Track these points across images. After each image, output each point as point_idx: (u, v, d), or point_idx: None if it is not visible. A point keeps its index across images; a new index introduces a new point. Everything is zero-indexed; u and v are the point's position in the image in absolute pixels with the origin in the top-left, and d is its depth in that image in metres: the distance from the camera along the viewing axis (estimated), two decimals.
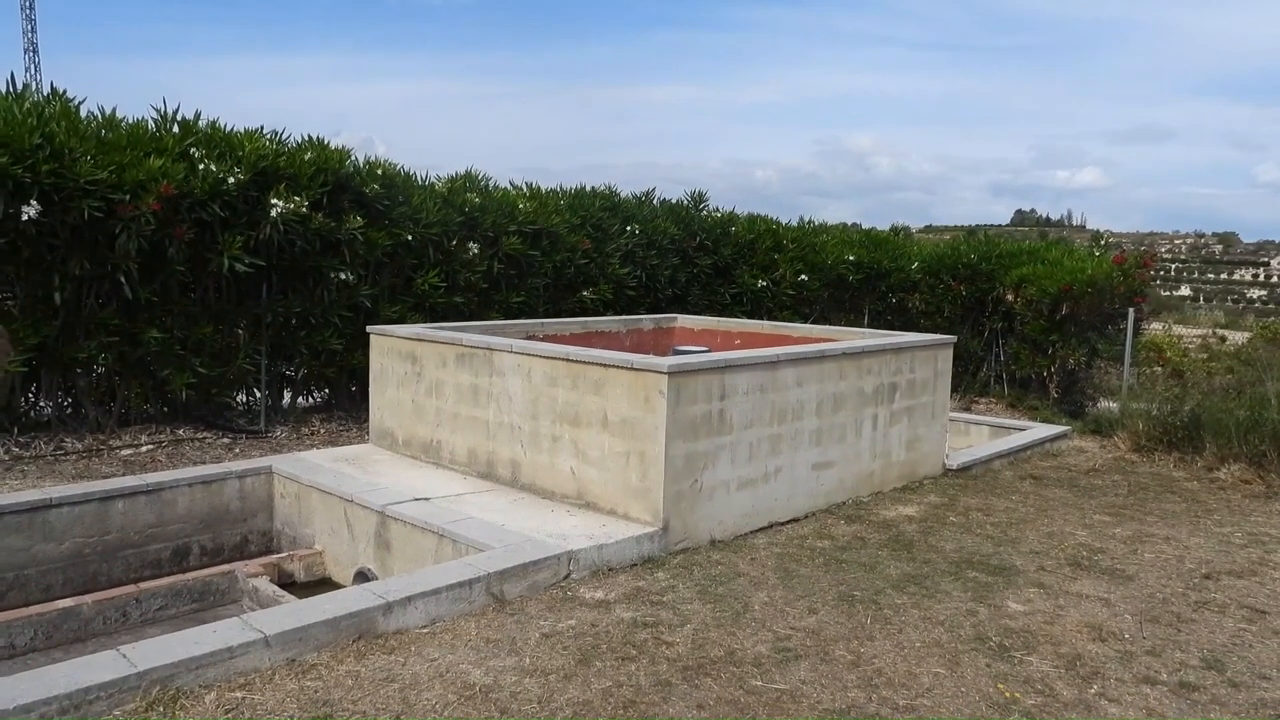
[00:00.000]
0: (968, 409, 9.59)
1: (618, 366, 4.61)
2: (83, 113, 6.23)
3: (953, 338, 6.81)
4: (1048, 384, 10.34)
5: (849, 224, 12.83)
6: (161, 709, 2.85)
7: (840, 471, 5.59)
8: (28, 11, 46.97)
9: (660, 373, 4.43)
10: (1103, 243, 13.34)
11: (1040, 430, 7.90)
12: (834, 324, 10.14)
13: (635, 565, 4.36)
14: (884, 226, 12.57)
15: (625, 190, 9.76)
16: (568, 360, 4.85)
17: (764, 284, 10.31)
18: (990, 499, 5.93)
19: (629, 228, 9.22)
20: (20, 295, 5.91)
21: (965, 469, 6.58)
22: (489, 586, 3.78)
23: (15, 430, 6.01)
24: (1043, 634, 3.77)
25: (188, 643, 3.07)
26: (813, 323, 9.84)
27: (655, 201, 10.01)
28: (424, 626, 3.56)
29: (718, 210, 10.55)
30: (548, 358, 4.96)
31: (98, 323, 6.09)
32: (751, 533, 4.98)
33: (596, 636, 3.55)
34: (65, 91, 6.28)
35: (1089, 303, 9.90)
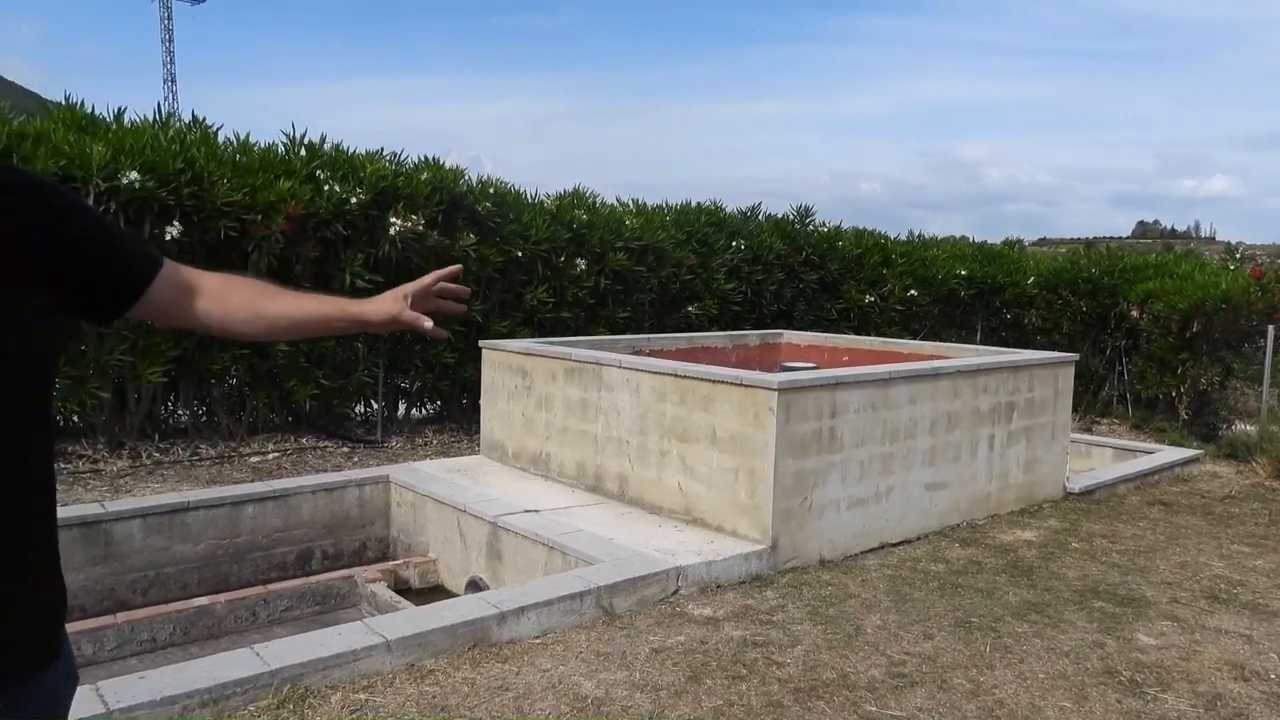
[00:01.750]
0: (1088, 430, 9.18)
1: (727, 382, 4.60)
2: (220, 138, 6.62)
3: (1074, 355, 6.54)
4: (1176, 405, 9.80)
5: (958, 237, 12.50)
6: (291, 706, 2.97)
7: (954, 492, 5.43)
8: (167, 45, 50.27)
9: (770, 389, 4.40)
10: (1237, 255, 12.59)
11: (1169, 453, 7.49)
12: (945, 340, 9.87)
13: (743, 583, 4.33)
14: (995, 240, 12.16)
15: (730, 205, 9.77)
16: (676, 376, 4.87)
17: (871, 299, 10.12)
18: (1116, 525, 5.65)
19: (734, 243, 9.20)
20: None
21: (1088, 493, 6.29)
22: (599, 600, 3.82)
23: (156, 436, 6.40)
24: (1178, 670, 3.57)
25: (315, 644, 3.21)
26: (922, 339, 9.60)
27: (761, 216, 9.97)
28: (536, 637, 3.62)
29: (824, 224, 10.43)
30: (656, 373, 4.99)
31: None
32: (862, 553, 4.88)
33: (706, 654, 3.54)
34: (205, 119, 6.70)
35: (1223, 319, 9.36)
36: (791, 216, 10.16)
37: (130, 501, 5.01)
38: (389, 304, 1.50)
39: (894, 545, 5.04)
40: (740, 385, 4.54)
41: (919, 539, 5.19)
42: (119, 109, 6.35)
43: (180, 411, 6.75)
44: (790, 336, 7.75)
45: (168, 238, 5.87)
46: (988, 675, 3.47)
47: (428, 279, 1.53)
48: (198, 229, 6.04)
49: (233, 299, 1.41)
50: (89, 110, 6.23)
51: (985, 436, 5.59)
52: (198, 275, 1.41)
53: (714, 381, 4.66)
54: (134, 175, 5.67)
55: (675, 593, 4.08)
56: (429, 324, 1.50)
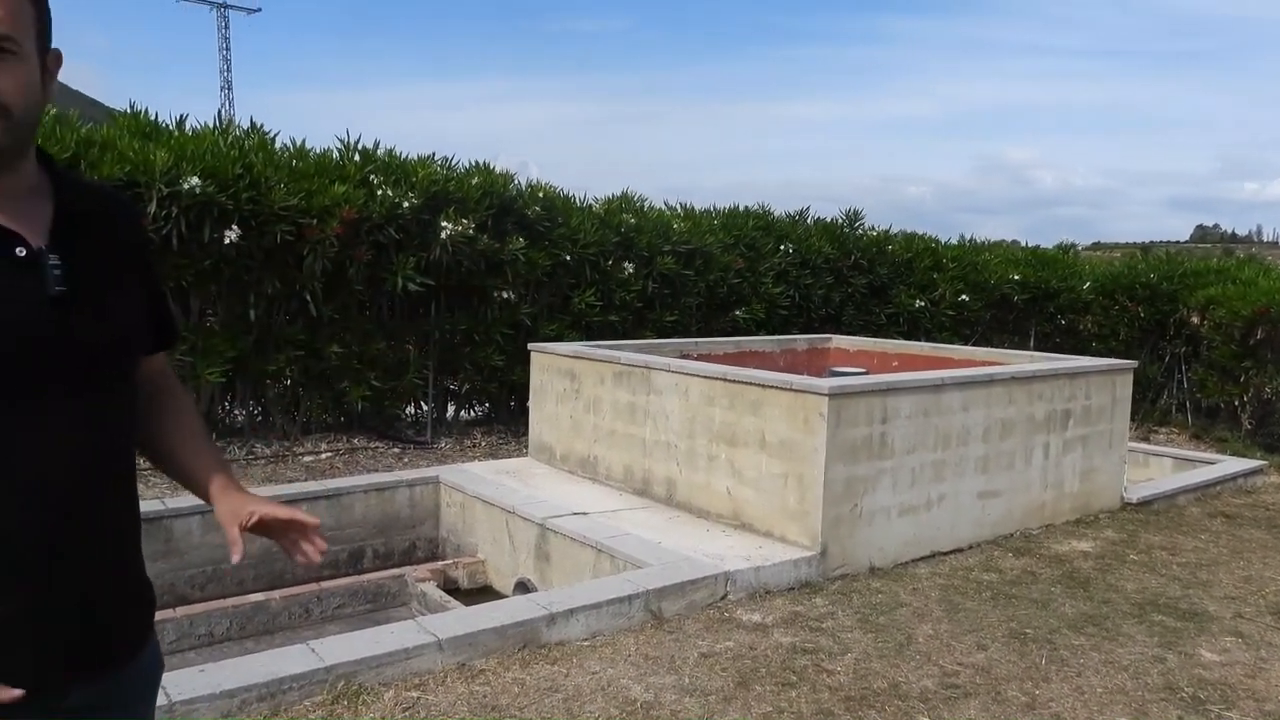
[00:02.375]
0: (1146, 439, 8.96)
1: (776, 387, 4.58)
2: (276, 144, 6.76)
3: (1133, 362, 6.39)
4: (1239, 414, 9.53)
5: (1008, 241, 12.31)
6: (345, 702, 3.02)
7: (1008, 501, 5.33)
8: (225, 54, 51.50)
9: (821, 394, 4.36)
10: None
11: (1232, 464, 7.28)
12: (996, 346, 9.71)
13: (792, 589, 4.30)
14: (1046, 244, 11.93)
15: (778, 209, 9.72)
16: (725, 380, 4.85)
17: (922, 304, 10.00)
18: (1176, 537, 5.51)
19: (782, 247, 9.15)
20: (220, 313, 6.44)
21: (1146, 503, 6.14)
22: (647, 603, 3.82)
23: (214, 435, 6.55)
24: (1243, 688, 3.47)
25: (369, 641, 3.25)
26: (973, 345, 9.45)
27: (809, 220, 9.90)
28: (585, 639, 3.63)
29: (873, 228, 10.33)
30: (705, 377, 4.98)
31: (286, 338, 6.55)
32: (912, 561, 4.82)
33: (755, 660, 3.52)
34: (262, 125, 6.84)
35: None
36: (840, 220, 10.08)
37: (189, 499, 5.10)
38: (230, 514, 1.40)
39: (945, 554, 4.97)
40: (790, 390, 4.51)
41: (971, 548, 5.11)
42: (181, 116, 6.53)
43: (237, 411, 6.90)
44: (839, 341, 7.68)
45: (226, 241, 6.00)
46: (1044, 688, 3.40)
47: (284, 514, 1.42)
48: (255, 233, 6.16)
49: (172, 413, 1.43)
50: (152, 118, 6.40)
51: (1040, 444, 5.49)
52: (174, 379, 1.50)
53: (764, 386, 4.64)
54: (195, 180, 5.81)
55: (724, 598, 4.07)
56: (235, 556, 1.39)
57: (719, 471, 4.89)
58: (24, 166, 1.22)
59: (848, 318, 9.70)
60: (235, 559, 1.39)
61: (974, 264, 10.32)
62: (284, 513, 1.42)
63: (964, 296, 10.04)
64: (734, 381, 4.81)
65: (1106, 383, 5.91)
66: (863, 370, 6.38)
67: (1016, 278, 10.29)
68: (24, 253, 1.17)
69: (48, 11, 1.19)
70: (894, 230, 10.48)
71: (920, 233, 10.71)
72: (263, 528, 1.43)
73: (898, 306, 9.97)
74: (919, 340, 9.15)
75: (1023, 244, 11.95)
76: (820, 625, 3.89)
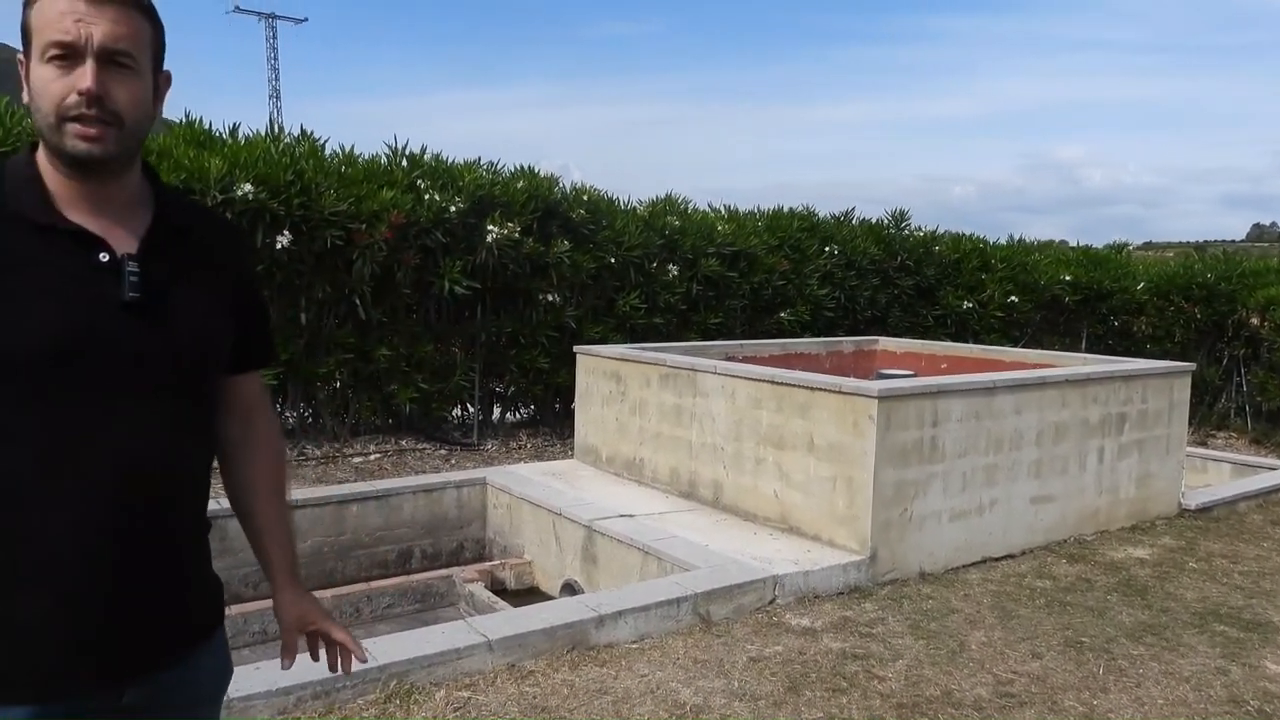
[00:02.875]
0: (1204, 443, 8.74)
1: (825, 390, 4.54)
2: (326, 151, 6.87)
3: (1190, 365, 6.24)
4: None
5: (1056, 241, 12.10)
6: (398, 701, 3.05)
7: (1062, 506, 5.23)
8: (273, 63, 52.49)
9: (870, 397, 4.32)
10: None
11: None
12: (1047, 348, 9.53)
13: (841, 594, 4.25)
14: (1096, 243, 11.69)
15: (822, 210, 9.65)
16: (773, 382, 4.83)
17: (970, 305, 9.85)
18: (1236, 544, 5.36)
19: (827, 248, 9.08)
20: (272, 316, 6.54)
21: (1205, 510, 5.98)
22: (695, 606, 3.81)
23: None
24: None
25: (420, 641, 3.28)
26: (1023, 346, 9.29)
27: (854, 221, 9.82)
28: (633, 642, 3.63)
29: (919, 229, 10.21)
30: (752, 379, 4.95)
31: (335, 341, 6.65)
32: (963, 567, 4.75)
33: (805, 665, 3.49)
34: (312, 132, 6.95)
35: None
36: (886, 221, 9.98)
37: None
38: (295, 620, 1.49)
39: (997, 559, 4.89)
40: (839, 393, 4.47)
41: (1023, 554, 5.02)
42: (234, 125, 6.66)
43: (288, 413, 7.01)
44: (885, 343, 7.60)
45: (278, 246, 6.10)
46: (1101, 699, 3.33)
47: (338, 636, 1.49)
48: (305, 238, 6.26)
49: (256, 460, 1.47)
50: (206, 126, 6.54)
51: (1094, 449, 5.37)
52: (268, 399, 1.53)
53: (812, 389, 4.60)
54: (248, 187, 5.92)
55: (772, 602, 4.04)
56: (287, 664, 1.50)
57: (766, 474, 4.87)
58: (129, 177, 1.27)
59: (894, 319, 9.60)
60: (286, 667, 1.50)
61: (1023, 264, 10.14)
62: (339, 635, 1.49)
63: (1013, 298, 9.87)
64: (781, 384, 4.78)
65: (1163, 386, 5.77)
66: (911, 373, 6.31)
67: (1068, 278, 10.10)
68: (106, 258, 1.21)
69: (163, 35, 1.27)
70: (940, 231, 10.35)
71: (968, 233, 10.57)
72: (310, 633, 1.51)
73: (945, 308, 9.84)
74: (967, 342, 9.02)
75: (1071, 244, 11.74)
76: (870, 631, 3.85)
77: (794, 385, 4.72)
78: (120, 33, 1.18)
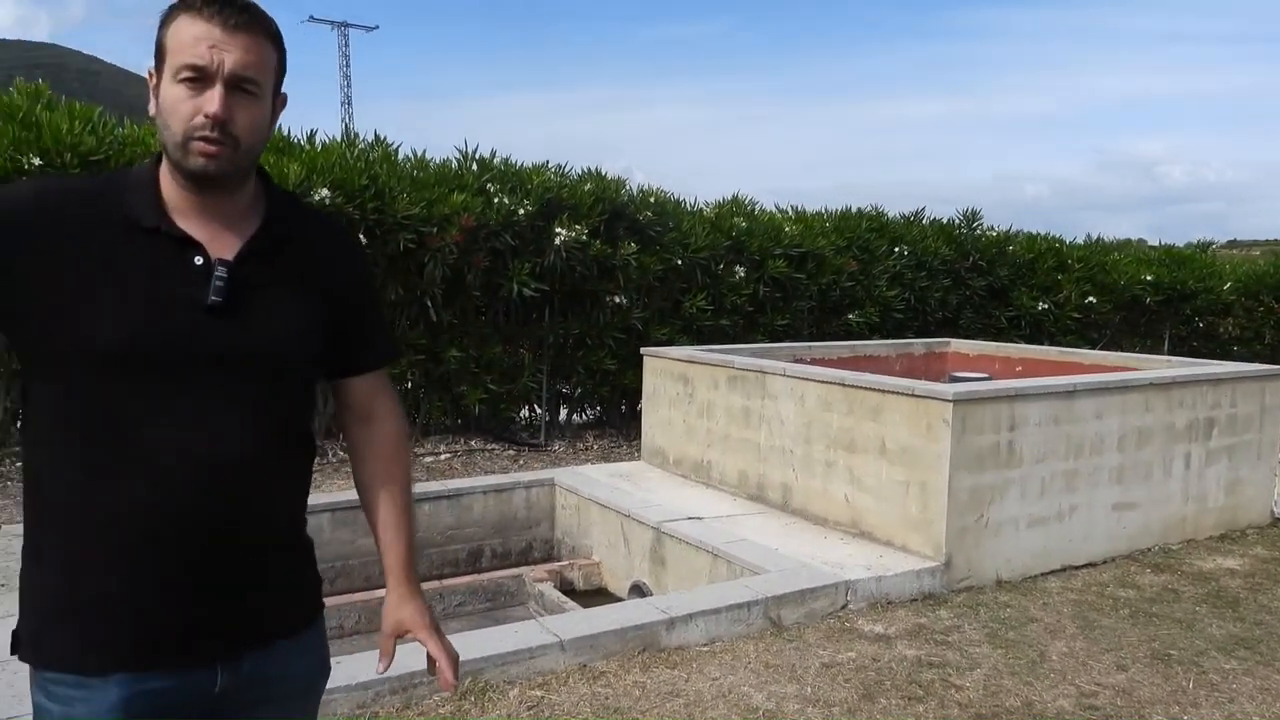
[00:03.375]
0: None
1: (897, 393, 4.47)
2: (399, 155, 7.01)
3: None
4: None
5: (1134, 240, 11.72)
6: (473, 699, 3.09)
7: (1145, 514, 5.06)
8: (345, 70, 53.78)
9: (944, 400, 4.23)
10: None
11: None
12: (1126, 350, 9.24)
13: (915, 600, 4.18)
14: (1177, 242, 11.29)
15: (891, 210, 9.51)
16: (843, 385, 4.76)
17: (1045, 306, 9.60)
18: None
19: (897, 249, 8.94)
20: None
21: None
22: (766, 610, 3.78)
23: (340, 436, 6.82)
24: None
25: (494, 639, 3.32)
26: (1101, 349, 9.02)
27: (925, 221, 9.64)
28: (704, 645, 3.61)
29: (992, 229, 9.98)
30: (822, 381, 4.90)
31: (408, 343, 6.76)
32: (1042, 575, 4.62)
33: (879, 672, 3.43)
34: (385, 138, 7.10)
35: None
36: (957, 221, 9.78)
37: (320, 496, 5.35)
38: (395, 625, 1.49)
39: (1077, 568, 4.75)
40: (912, 396, 4.39)
41: (1105, 562, 4.86)
42: (311, 131, 6.83)
43: None
44: (957, 345, 7.45)
45: (364, 255, 6.23)
46: (1192, 714, 3.21)
47: (434, 651, 1.48)
48: (379, 241, 6.39)
49: (374, 459, 1.51)
50: (285, 133, 6.72)
51: (1180, 454, 5.18)
52: (389, 400, 1.54)
53: (884, 391, 4.53)
54: (325, 192, 6.07)
55: (844, 607, 3.99)
56: (382, 668, 1.49)
57: (837, 478, 4.81)
58: (242, 191, 1.33)
59: (965, 321, 9.40)
60: (381, 670, 1.49)
61: (1101, 264, 9.85)
62: (434, 650, 1.48)
63: (1091, 298, 9.60)
64: (852, 386, 4.71)
65: (1255, 390, 5.54)
66: (985, 376, 6.17)
67: (1149, 278, 9.78)
68: (200, 262, 1.27)
69: (285, 60, 1.33)
70: (1012, 230, 10.10)
71: (1043, 233, 10.30)
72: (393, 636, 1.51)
73: (1019, 309, 9.60)
74: (1042, 344, 8.79)
75: (1151, 243, 11.36)
76: (946, 639, 3.77)
77: (865, 388, 4.65)
78: (249, 60, 1.24)
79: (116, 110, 6.38)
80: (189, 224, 1.27)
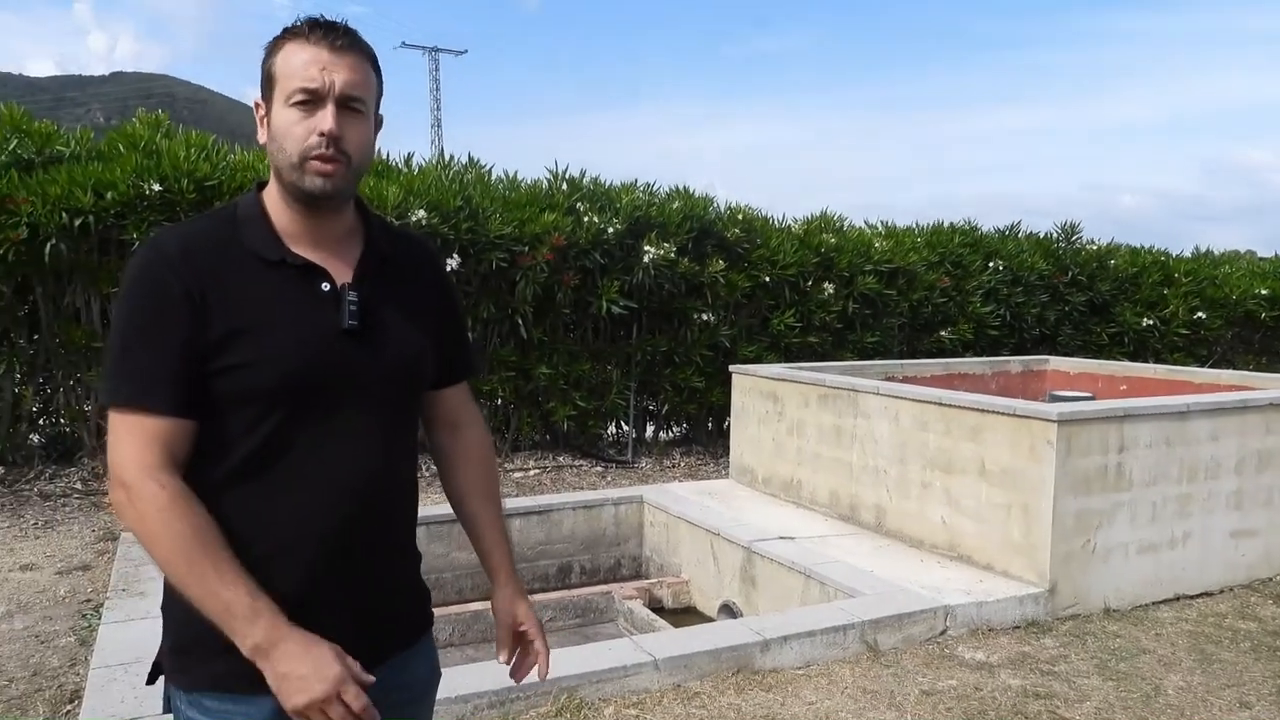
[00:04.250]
0: None
1: (998, 412, 4.34)
2: (491, 177, 7.17)
3: None
4: None
5: (1243, 252, 11.16)
6: (568, 715, 3.10)
7: (1266, 541, 4.79)
8: (435, 94, 55.36)
9: (1049, 420, 4.09)
10: None
11: None
12: (1240, 368, 8.79)
13: (1018, 628, 4.04)
14: None
15: (985, 224, 9.27)
16: (939, 404, 4.65)
17: (1150, 323, 9.22)
18: None
19: (991, 264, 8.72)
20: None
21: None
22: (862, 634, 3.70)
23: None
24: None
25: (589, 657, 3.34)
26: (1211, 366, 8.61)
27: (1020, 235, 9.38)
28: (798, 667, 3.56)
29: (1092, 242, 9.64)
30: (917, 401, 4.79)
31: (499, 359, 6.89)
32: (1154, 604, 4.42)
33: (982, 701, 3.33)
34: (479, 160, 7.27)
35: None
36: (1055, 234, 9.48)
37: None
38: (509, 615, 1.56)
39: (1192, 597, 4.52)
40: (1014, 416, 4.26)
41: (1222, 592, 4.62)
42: (408, 154, 7.05)
43: None
44: (1057, 363, 7.20)
45: (447, 269, 6.38)
46: None
47: (537, 641, 1.56)
48: (473, 260, 6.54)
49: (466, 465, 1.57)
50: (384, 156, 6.95)
51: None
52: (474, 408, 1.60)
53: (983, 411, 4.41)
54: (421, 213, 6.25)
55: (943, 632, 3.88)
56: (502, 658, 1.59)
57: (933, 499, 4.69)
58: (346, 211, 1.39)
59: (1064, 338, 9.10)
60: (504, 662, 1.57)
61: (1211, 278, 9.42)
62: (539, 643, 1.56)
63: (1200, 314, 9.17)
64: (949, 405, 4.60)
65: None
66: (1089, 395, 5.95)
67: (1264, 292, 9.30)
68: (328, 288, 1.32)
69: (382, 83, 1.39)
70: (1113, 243, 9.73)
71: (1146, 246, 9.90)
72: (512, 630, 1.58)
73: (1122, 325, 9.24)
74: (1147, 362, 8.44)
75: (1261, 255, 10.81)
76: (1053, 669, 3.63)
77: (963, 407, 4.54)
78: (356, 80, 1.29)
79: (222, 136, 6.71)
80: (304, 250, 1.32)
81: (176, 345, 1.23)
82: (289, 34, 1.30)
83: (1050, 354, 7.88)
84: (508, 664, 1.58)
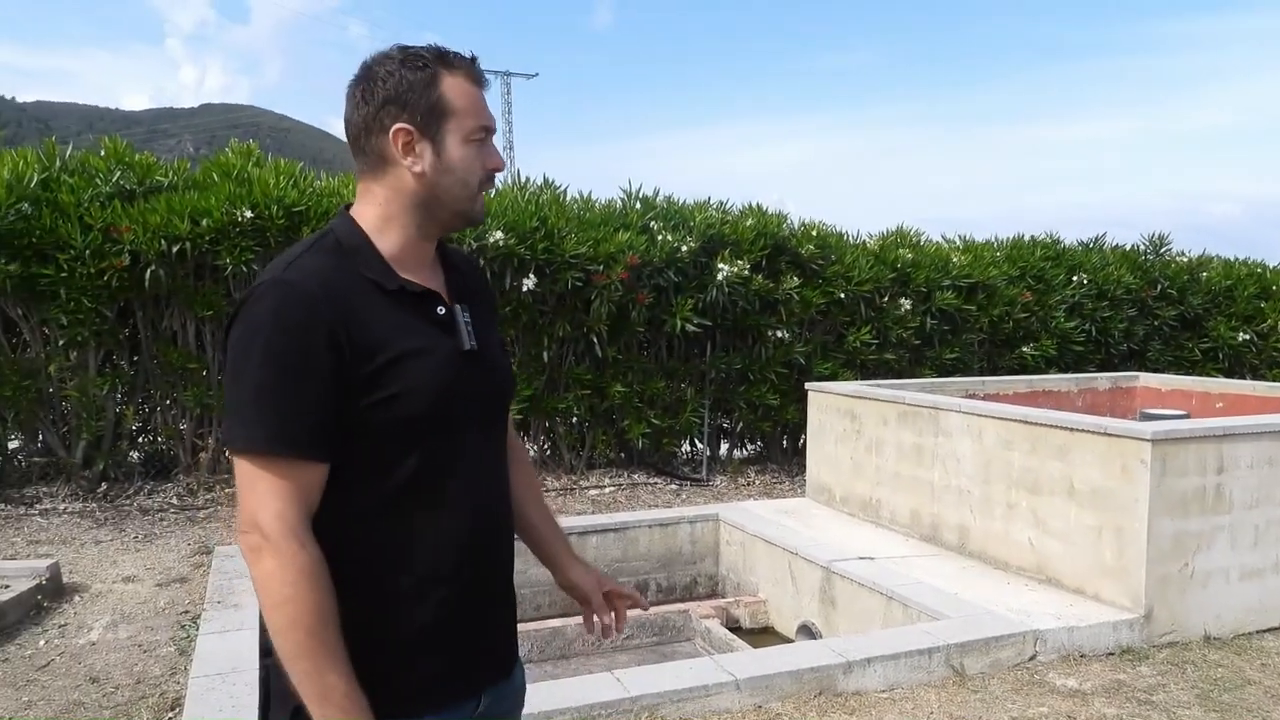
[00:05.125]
0: None
1: (1087, 431, 4.21)
2: (566, 197, 7.26)
3: None
4: None
5: None
6: None
7: None
8: (507, 116, 56.42)
9: (1142, 439, 3.96)
10: None
11: None
12: None
13: (1111, 654, 3.90)
14: None
15: (1067, 236, 9.03)
16: (1025, 422, 4.54)
17: (1246, 337, 8.84)
18: None
19: (1075, 278, 8.48)
20: (518, 354, 6.97)
21: None
22: (948, 658, 3.62)
23: None
24: None
25: (670, 675, 3.33)
26: None
27: (1105, 247, 9.11)
28: (882, 691, 3.50)
29: (1181, 254, 9.31)
30: (1002, 419, 4.69)
31: (574, 378, 6.96)
32: (1258, 632, 4.22)
33: None
34: (554, 180, 7.38)
35: None
36: (1143, 246, 9.18)
37: None
38: (592, 584, 1.63)
39: None
40: (1104, 434, 4.13)
41: None
42: None
43: (530, 445, 7.40)
44: (1146, 379, 6.95)
45: (524, 289, 6.50)
46: None
47: (627, 590, 1.66)
48: (548, 280, 6.63)
49: (516, 476, 1.56)
50: None
51: None
52: (511, 424, 1.62)
53: (1072, 429, 4.29)
54: (498, 234, 6.36)
55: (1032, 658, 3.77)
56: (589, 625, 1.65)
57: (1019, 520, 4.57)
58: None
59: (1154, 353, 8.79)
60: (590, 630, 1.63)
61: None
62: (628, 589, 1.66)
63: None
64: (1036, 424, 4.49)
65: None
66: (1183, 413, 5.73)
67: None
68: (443, 311, 1.35)
69: None
70: (1202, 254, 9.36)
71: (1239, 257, 9.51)
72: (587, 593, 1.63)
73: (1216, 340, 8.89)
74: (1244, 378, 8.09)
75: None
76: (1149, 698, 3.49)
77: (1050, 425, 4.41)
78: None
79: (305, 163, 6.96)
80: (409, 274, 1.34)
81: (324, 388, 1.21)
82: (447, 67, 1.31)
83: (1139, 370, 7.62)
84: (590, 633, 1.64)
